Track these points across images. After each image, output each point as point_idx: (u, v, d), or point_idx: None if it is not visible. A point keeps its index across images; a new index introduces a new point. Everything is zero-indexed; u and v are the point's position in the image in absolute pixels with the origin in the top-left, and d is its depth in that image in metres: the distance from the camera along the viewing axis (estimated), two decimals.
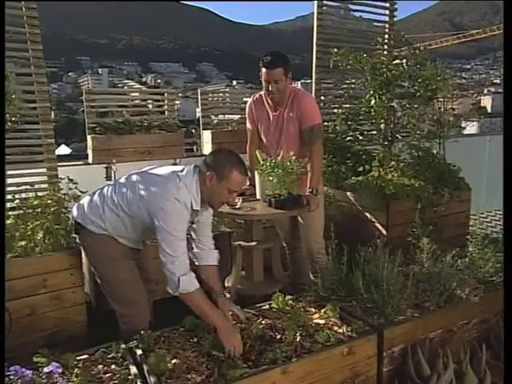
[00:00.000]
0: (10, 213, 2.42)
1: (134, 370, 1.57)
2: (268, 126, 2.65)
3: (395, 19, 4.08)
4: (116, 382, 1.52)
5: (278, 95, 2.52)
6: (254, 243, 2.52)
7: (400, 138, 3.67)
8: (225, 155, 1.88)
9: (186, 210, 1.79)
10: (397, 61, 3.43)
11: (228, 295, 2.52)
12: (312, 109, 2.57)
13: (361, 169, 3.53)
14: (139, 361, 1.62)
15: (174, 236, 1.74)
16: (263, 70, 2.48)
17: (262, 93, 2.64)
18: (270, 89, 2.49)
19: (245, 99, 4.27)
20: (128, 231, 1.95)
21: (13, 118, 2.47)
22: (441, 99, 3.63)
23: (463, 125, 4.33)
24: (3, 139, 2.09)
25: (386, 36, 3.97)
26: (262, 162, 2.42)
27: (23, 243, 2.18)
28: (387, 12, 3.99)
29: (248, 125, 2.77)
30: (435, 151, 3.48)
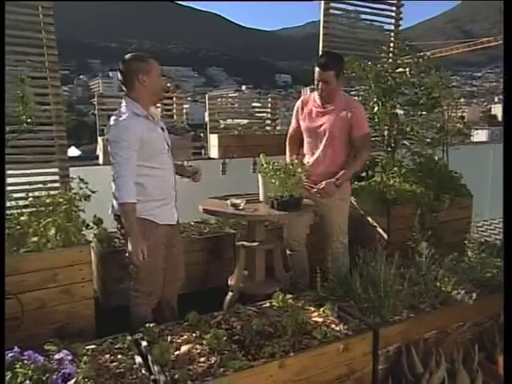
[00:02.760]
0: (24, 210, 2.52)
1: (139, 359, 1.67)
2: (312, 121, 2.76)
3: (405, 26, 4.19)
4: (122, 370, 1.61)
5: (327, 94, 2.66)
6: (256, 243, 2.60)
7: (408, 144, 3.73)
8: (132, 61, 2.09)
9: (134, 122, 2.03)
10: (400, 69, 3.50)
11: (230, 293, 2.60)
12: (364, 117, 2.75)
13: (363, 174, 3.60)
14: (144, 351, 1.71)
15: (118, 155, 1.98)
16: (316, 69, 2.63)
17: (309, 93, 2.85)
18: (319, 87, 2.64)
19: (253, 104, 4.37)
20: (141, 193, 2.08)
21: (28, 120, 2.57)
22: (445, 107, 3.70)
23: (471, 132, 4.37)
24: (3, 139, 2.16)
25: (392, 44, 4.05)
26: (265, 165, 2.50)
27: (36, 239, 2.27)
28: (393, 21, 4.07)
29: (293, 123, 2.91)
30: (437, 158, 3.54)
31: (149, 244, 2.07)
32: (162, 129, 2.23)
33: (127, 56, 2.12)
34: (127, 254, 2.09)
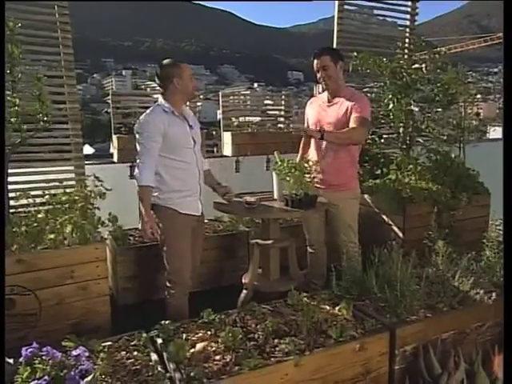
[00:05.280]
0: (41, 208, 2.55)
1: (154, 357, 1.67)
2: (319, 117, 2.73)
3: (420, 22, 4.10)
4: (138, 367, 1.62)
5: (329, 82, 2.62)
6: (270, 241, 2.59)
7: (422, 141, 3.68)
8: (167, 66, 2.31)
9: (158, 116, 2.26)
10: (416, 65, 3.45)
11: (245, 291, 2.60)
12: (367, 107, 2.64)
13: (378, 172, 3.56)
14: (159, 349, 1.71)
15: (141, 144, 2.23)
16: (314, 62, 2.63)
17: (319, 94, 2.84)
18: (319, 76, 2.62)
19: (266, 102, 4.37)
20: (161, 183, 2.29)
21: (45, 118, 2.59)
22: (461, 103, 3.64)
23: (488, 129, 4.31)
24: (3, 139, 2.17)
25: (407, 40, 3.99)
26: (279, 163, 2.48)
27: (52, 236, 2.29)
28: (408, 16, 4.01)
29: (305, 124, 2.90)
30: (454, 155, 3.48)
31: (172, 231, 2.29)
32: (191, 126, 2.38)
33: (164, 61, 2.34)
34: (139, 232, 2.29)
